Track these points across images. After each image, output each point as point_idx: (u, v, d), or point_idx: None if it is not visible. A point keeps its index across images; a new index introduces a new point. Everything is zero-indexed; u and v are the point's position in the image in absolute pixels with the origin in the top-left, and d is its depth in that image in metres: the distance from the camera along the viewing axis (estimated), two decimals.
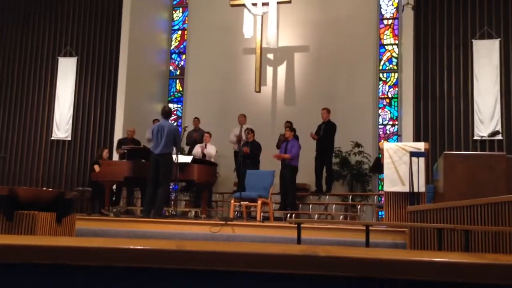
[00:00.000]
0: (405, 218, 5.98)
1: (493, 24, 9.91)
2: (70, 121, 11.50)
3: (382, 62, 11.66)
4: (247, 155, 9.36)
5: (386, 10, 11.85)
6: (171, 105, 12.65)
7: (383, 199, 7.07)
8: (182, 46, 12.95)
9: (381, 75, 11.64)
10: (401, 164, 6.38)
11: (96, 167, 9.05)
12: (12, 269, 1.15)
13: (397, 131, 11.24)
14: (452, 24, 10.15)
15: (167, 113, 7.95)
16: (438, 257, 1.08)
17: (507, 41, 9.83)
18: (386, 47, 11.73)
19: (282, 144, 9.26)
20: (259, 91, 11.20)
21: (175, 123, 12.57)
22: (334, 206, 9.84)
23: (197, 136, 10.39)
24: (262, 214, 8.04)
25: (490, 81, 9.68)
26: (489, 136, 9.03)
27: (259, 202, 7.75)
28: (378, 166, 7.38)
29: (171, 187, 9.49)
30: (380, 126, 11.46)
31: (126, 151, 9.07)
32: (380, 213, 9.03)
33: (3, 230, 4.50)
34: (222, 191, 10.73)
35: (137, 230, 6.80)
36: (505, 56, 9.77)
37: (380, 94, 11.56)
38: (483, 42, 9.87)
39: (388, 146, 6.59)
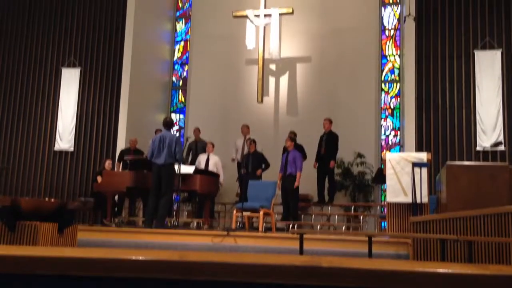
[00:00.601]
0: (407, 229, 5.96)
1: (495, 34, 9.94)
2: (73, 132, 11.52)
3: (384, 73, 11.69)
4: (252, 167, 9.36)
5: (388, 21, 11.90)
6: (173, 116, 12.70)
7: (385, 209, 7.04)
8: (184, 57, 13.01)
9: (383, 85, 11.66)
10: (403, 175, 6.37)
11: (99, 178, 9.06)
12: (14, 279, 1.15)
13: (399, 141, 11.23)
14: (453, 35, 10.18)
15: (168, 124, 7.97)
16: (441, 268, 1.07)
17: (509, 52, 9.85)
18: (388, 57, 11.76)
19: (283, 155, 9.19)
20: (262, 102, 11.23)
21: (178, 134, 12.60)
22: (336, 216, 9.80)
23: (198, 150, 10.38)
24: (264, 224, 8.02)
25: (492, 92, 9.69)
26: (491, 146, 9.02)
27: (261, 212, 7.74)
28: (380, 177, 7.37)
29: (173, 197, 9.48)
30: (382, 137, 11.46)
31: (128, 161, 9.07)
32: (382, 223, 9.00)
33: (5, 240, 4.49)
34: (224, 201, 10.71)
35: (139, 241, 6.78)
36: (507, 66, 9.78)
37: (382, 104, 11.57)
38: (485, 52, 9.89)
39: (390, 157, 6.58)
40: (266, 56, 11.26)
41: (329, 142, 9.88)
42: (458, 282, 1.05)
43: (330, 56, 11.58)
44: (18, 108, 11.96)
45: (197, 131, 10.70)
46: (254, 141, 9.66)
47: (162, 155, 7.63)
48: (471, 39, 10.04)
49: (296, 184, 8.78)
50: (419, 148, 9.80)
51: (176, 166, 7.99)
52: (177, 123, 12.72)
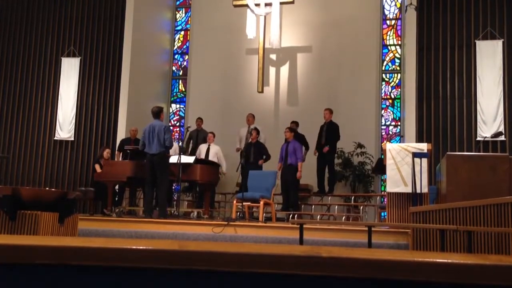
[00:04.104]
0: (407, 219, 5.97)
1: (496, 24, 9.90)
2: (73, 121, 11.52)
3: (385, 63, 11.65)
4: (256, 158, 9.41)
5: (389, 10, 11.84)
6: (173, 106, 12.69)
7: (385, 200, 7.05)
8: (185, 46, 12.96)
9: (384, 75, 11.62)
10: (403, 165, 6.37)
11: (97, 167, 9.06)
12: (14, 269, 1.15)
13: (399, 132, 11.22)
14: (455, 25, 10.13)
15: (155, 113, 8.04)
16: (441, 258, 1.07)
17: (510, 42, 9.81)
18: (389, 47, 11.71)
19: (283, 146, 9.18)
20: (262, 92, 11.20)
21: (178, 123, 12.61)
22: (336, 207, 9.82)
23: (199, 140, 10.38)
24: (264, 214, 8.04)
25: (493, 82, 9.67)
26: (492, 137, 9.01)
27: (262, 202, 7.75)
28: (380, 167, 7.37)
29: (173, 187, 9.50)
30: (382, 127, 11.45)
31: (128, 151, 9.08)
32: (382, 214, 9.02)
33: (6, 230, 4.51)
34: (225, 191, 10.73)
35: (139, 230, 6.81)
36: (508, 57, 9.75)
37: (383, 94, 11.55)
38: (486, 42, 9.85)
39: (390, 147, 6.58)
40: (267, 45, 11.21)
41: (329, 132, 9.88)
42: (458, 272, 1.05)
43: (331, 45, 11.54)
44: (18, 98, 11.94)
45: (199, 121, 10.71)
46: (257, 131, 9.64)
47: (153, 144, 7.72)
48: (473, 29, 10.00)
49: (298, 175, 8.81)
50: (419, 139, 9.79)
51: (176, 157, 8.01)
52: (178, 113, 12.71)
